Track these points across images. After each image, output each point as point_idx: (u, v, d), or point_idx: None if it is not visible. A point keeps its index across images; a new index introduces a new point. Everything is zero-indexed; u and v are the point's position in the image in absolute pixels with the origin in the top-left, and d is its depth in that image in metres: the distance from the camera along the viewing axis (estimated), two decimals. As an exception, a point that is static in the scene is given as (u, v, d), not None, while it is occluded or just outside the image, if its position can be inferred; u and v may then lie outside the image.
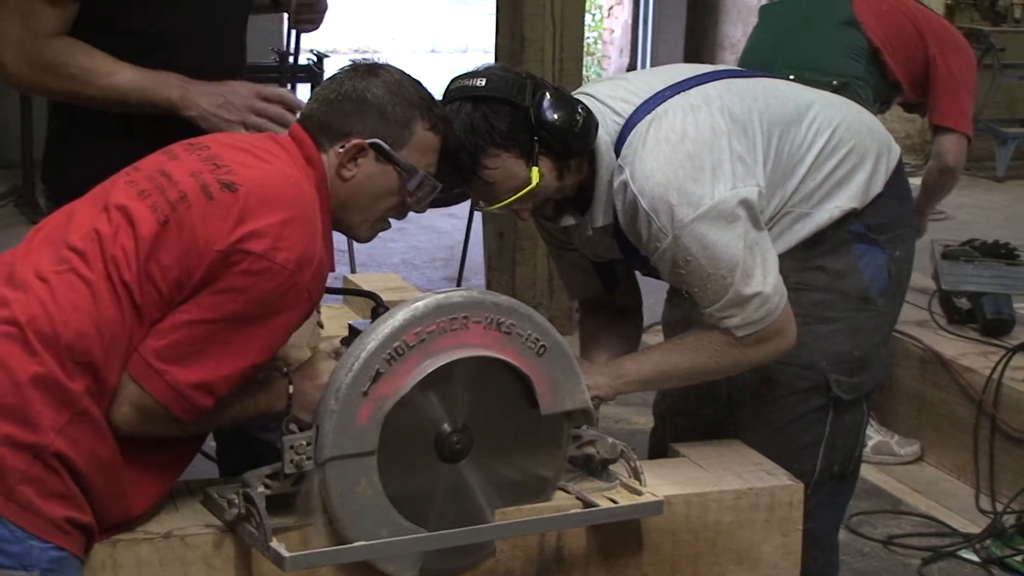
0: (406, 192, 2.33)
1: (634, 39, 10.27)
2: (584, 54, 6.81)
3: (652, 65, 9.85)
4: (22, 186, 7.85)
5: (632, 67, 10.18)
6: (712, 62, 9.13)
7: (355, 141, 2.29)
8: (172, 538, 2.22)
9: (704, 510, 2.51)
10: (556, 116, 2.48)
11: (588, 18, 9.16)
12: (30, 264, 2.13)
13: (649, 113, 2.59)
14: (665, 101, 2.61)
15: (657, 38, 10.00)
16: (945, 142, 4.47)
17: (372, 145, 2.29)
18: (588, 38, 10.30)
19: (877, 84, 4.37)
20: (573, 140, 2.51)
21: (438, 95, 2.47)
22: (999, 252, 4.60)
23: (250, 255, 2.10)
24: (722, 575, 2.54)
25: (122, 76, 2.59)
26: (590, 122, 2.53)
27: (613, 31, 10.98)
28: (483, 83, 2.50)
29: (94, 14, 2.60)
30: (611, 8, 11.21)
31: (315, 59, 7.24)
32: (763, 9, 5.00)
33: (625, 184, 2.54)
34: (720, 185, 2.52)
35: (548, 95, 2.49)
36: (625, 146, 2.57)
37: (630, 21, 10.35)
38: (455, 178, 2.49)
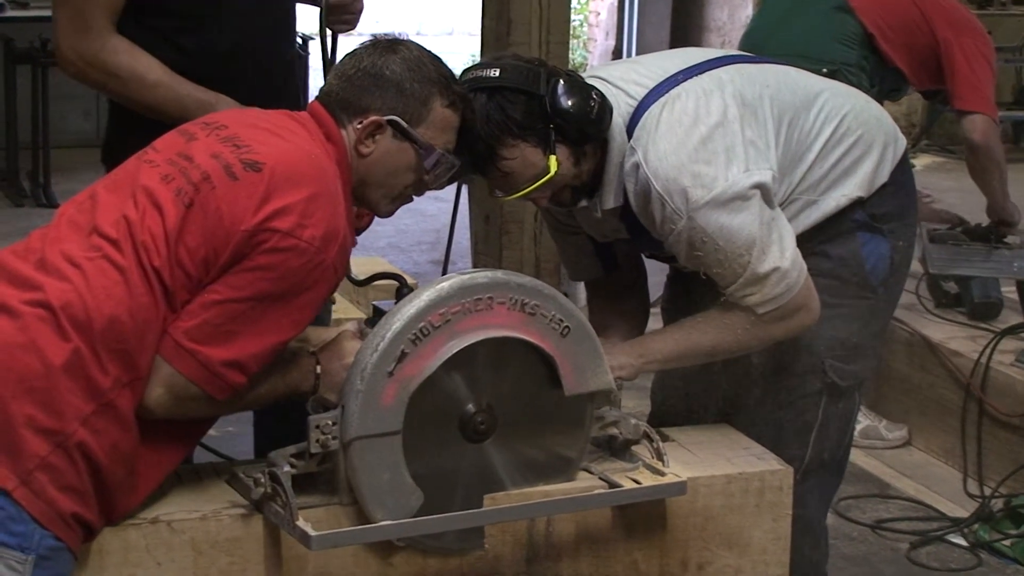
0: (423, 169, 2.34)
1: (620, 21, 10.22)
2: (570, 36, 6.79)
3: (638, 48, 9.82)
4: (6, 168, 7.74)
5: (618, 50, 10.13)
6: (698, 44, 9.12)
7: (372, 117, 2.29)
8: (159, 523, 2.21)
9: (694, 495, 2.50)
10: (571, 103, 2.49)
11: (574, 0, 9.14)
12: (60, 250, 2.13)
13: (662, 96, 2.60)
14: (678, 84, 2.62)
15: (643, 20, 9.96)
16: (967, 123, 4.43)
17: (389, 122, 2.29)
18: (574, 20, 10.27)
19: (875, 71, 4.35)
20: (589, 126, 2.52)
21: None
22: (987, 236, 4.58)
23: (277, 233, 2.12)
24: (711, 560, 2.54)
25: (162, 90, 2.63)
26: (604, 107, 2.54)
27: (599, 13, 10.92)
28: (496, 73, 2.50)
29: None
30: (597, -10, 11.18)
31: (300, 41, 7.19)
32: None
33: (637, 166, 2.55)
34: (733, 167, 2.54)
35: (562, 82, 2.50)
36: (638, 128, 2.58)
37: (616, 3, 10.31)
38: (467, 168, 2.50)
